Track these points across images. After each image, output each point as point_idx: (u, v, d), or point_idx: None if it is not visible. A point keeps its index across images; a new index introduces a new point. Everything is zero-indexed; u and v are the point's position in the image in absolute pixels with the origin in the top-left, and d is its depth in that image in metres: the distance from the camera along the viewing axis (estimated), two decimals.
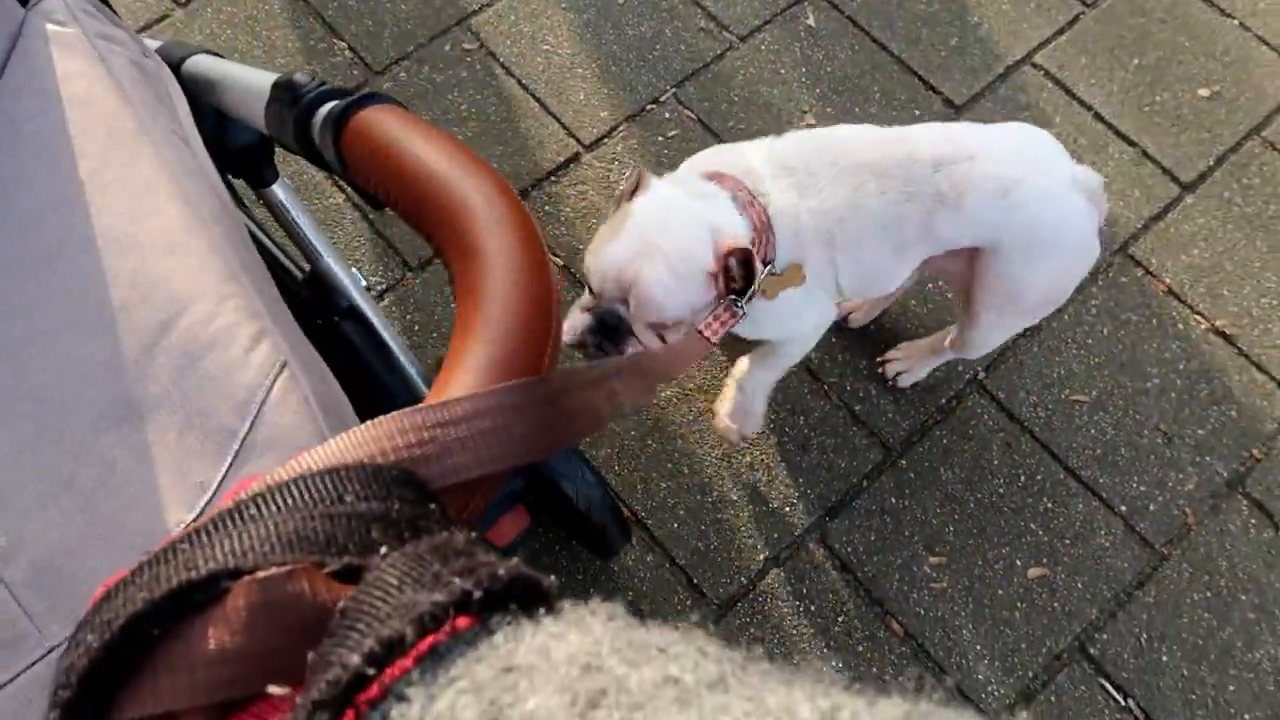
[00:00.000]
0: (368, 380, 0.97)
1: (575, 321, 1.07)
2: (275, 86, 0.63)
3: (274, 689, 0.24)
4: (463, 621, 0.24)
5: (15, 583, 0.51)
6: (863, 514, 1.40)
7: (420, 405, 0.34)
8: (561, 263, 1.56)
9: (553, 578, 0.26)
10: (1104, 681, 1.31)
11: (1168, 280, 1.57)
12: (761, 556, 1.37)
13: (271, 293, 0.65)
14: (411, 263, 1.54)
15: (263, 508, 0.28)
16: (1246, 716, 1.29)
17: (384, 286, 1.52)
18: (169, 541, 0.27)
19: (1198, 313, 1.55)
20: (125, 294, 0.59)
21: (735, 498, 1.40)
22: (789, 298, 1.09)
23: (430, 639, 0.23)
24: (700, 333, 0.98)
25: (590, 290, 1.05)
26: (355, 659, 0.22)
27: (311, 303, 0.99)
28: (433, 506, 0.31)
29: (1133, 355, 1.51)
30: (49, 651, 0.51)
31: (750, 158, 1.10)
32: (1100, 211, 1.12)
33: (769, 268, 1.06)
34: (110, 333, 0.57)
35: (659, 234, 0.99)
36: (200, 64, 0.77)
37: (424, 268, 1.54)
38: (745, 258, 0.98)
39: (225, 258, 0.62)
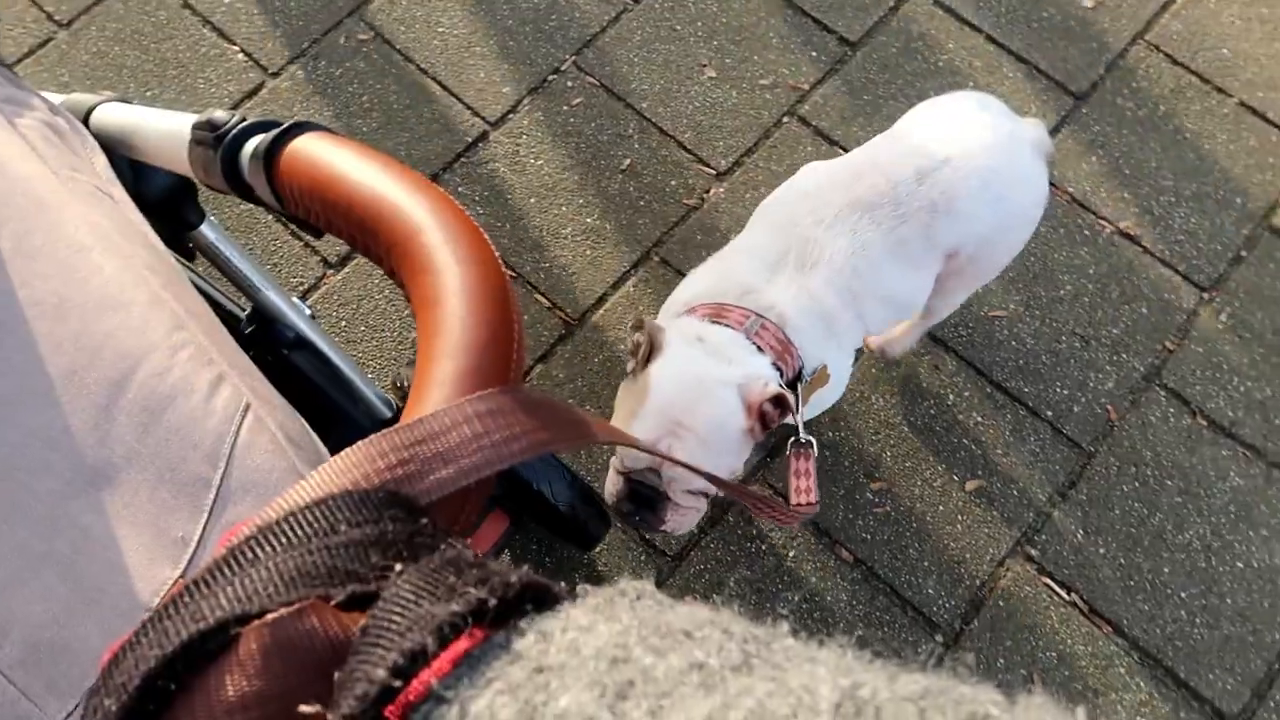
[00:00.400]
0: (326, 409, 0.95)
1: (612, 485, 1.06)
2: (195, 128, 0.60)
3: (304, 708, 0.24)
4: (481, 631, 0.24)
5: (9, 664, 0.51)
6: None
7: (394, 427, 0.34)
8: None
9: (563, 584, 0.26)
10: (1047, 580, 1.37)
11: (1070, 190, 1.61)
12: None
13: (222, 334, 0.65)
14: (330, 260, 1.54)
15: (259, 549, 0.28)
16: (1182, 594, 1.36)
17: (306, 286, 1.52)
18: (170, 596, 0.27)
19: (1102, 217, 1.59)
20: (72, 358, 0.57)
21: None
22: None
23: (465, 644, 0.23)
24: (798, 505, 0.96)
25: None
26: (381, 673, 0.23)
27: (257, 338, 0.96)
28: (425, 522, 0.31)
29: (1044, 266, 1.56)
30: None
31: (740, 273, 1.08)
32: (1048, 156, 1.15)
33: (800, 383, 1.04)
34: (64, 398, 0.56)
35: (684, 410, 0.95)
36: (110, 114, 0.73)
37: (343, 264, 1.53)
38: (778, 399, 0.95)
39: (169, 308, 0.61)
